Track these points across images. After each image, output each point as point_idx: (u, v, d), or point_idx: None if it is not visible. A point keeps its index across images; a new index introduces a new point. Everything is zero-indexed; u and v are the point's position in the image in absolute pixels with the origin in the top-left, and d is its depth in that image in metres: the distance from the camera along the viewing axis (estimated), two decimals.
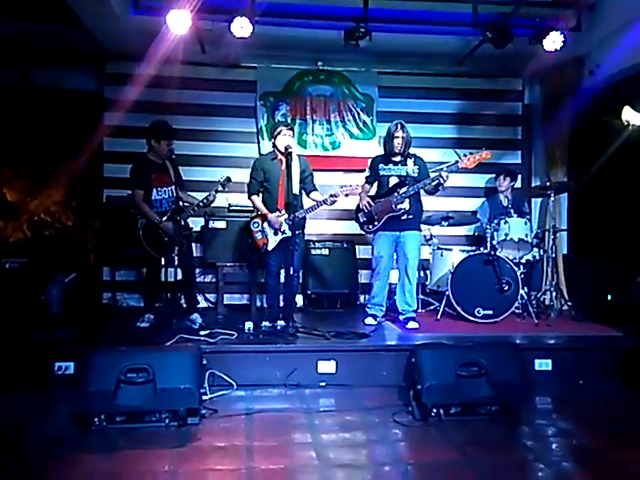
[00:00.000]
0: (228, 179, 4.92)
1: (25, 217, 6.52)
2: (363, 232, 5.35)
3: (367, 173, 5.34)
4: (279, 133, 4.97)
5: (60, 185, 6.48)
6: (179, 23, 4.87)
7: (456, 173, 4.97)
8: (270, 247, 4.97)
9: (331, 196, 4.82)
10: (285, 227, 4.90)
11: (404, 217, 5.01)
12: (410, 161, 5.08)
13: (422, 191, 5.04)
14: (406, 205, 4.98)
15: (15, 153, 6.41)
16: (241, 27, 5.06)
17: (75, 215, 6.61)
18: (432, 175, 5.01)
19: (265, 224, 4.97)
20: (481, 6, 5.36)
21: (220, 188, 4.91)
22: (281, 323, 4.90)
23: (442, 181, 4.84)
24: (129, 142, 5.99)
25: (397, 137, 5.03)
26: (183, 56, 5.76)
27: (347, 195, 4.86)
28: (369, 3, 5.25)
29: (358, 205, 5.23)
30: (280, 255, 5.00)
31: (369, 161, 5.39)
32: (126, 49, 5.80)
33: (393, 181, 5.08)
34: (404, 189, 4.98)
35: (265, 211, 4.97)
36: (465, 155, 4.90)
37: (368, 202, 5.11)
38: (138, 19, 5.26)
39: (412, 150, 5.16)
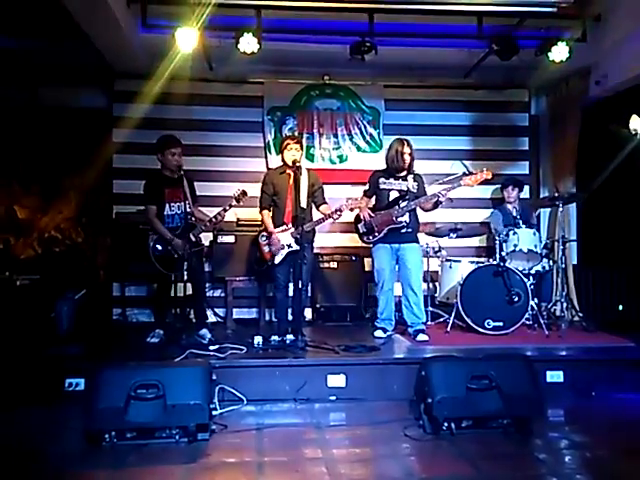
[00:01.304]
0: (244, 193, 4.90)
1: (35, 234, 6.57)
2: (362, 243, 5.40)
3: (366, 187, 5.43)
4: (286, 146, 5.01)
5: (70, 202, 6.54)
6: (187, 40, 4.93)
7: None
8: (277, 260, 5.00)
9: (336, 210, 4.87)
10: (291, 241, 4.93)
11: (403, 230, 5.09)
12: (410, 177, 5.19)
13: (418, 207, 5.16)
14: (406, 218, 5.07)
15: (25, 170, 6.47)
16: (248, 43, 5.12)
17: (85, 231, 6.65)
18: (429, 191, 5.16)
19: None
20: (486, 18, 5.38)
21: (234, 202, 4.92)
22: (290, 337, 4.89)
23: (441, 199, 4.97)
24: (138, 158, 6.06)
25: (405, 153, 5.11)
26: (191, 73, 5.83)
27: (352, 209, 4.96)
28: (374, 18, 5.30)
29: (358, 215, 5.26)
30: (288, 268, 5.04)
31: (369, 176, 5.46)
32: (134, 67, 5.89)
33: (393, 195, 5.16)
34: (405, 203, 5.06)
35: (271, 229, 5.01)
36: (466, 174, 5.03)
37: (369, 213, 5.14)
38: (146, 37, 5.33)
39: (416, 164, 5.25)
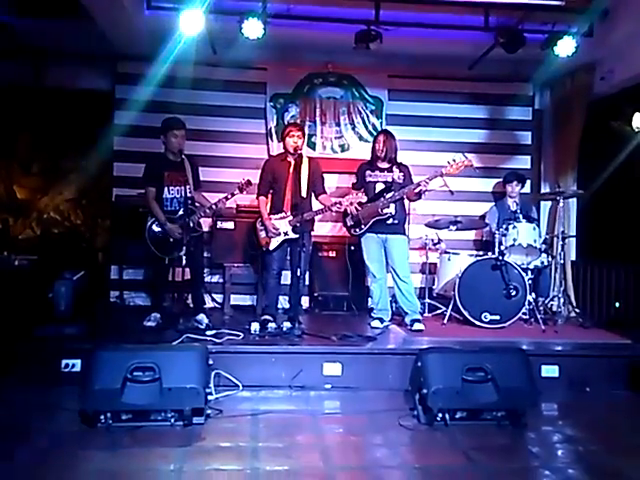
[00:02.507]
0: (248, 182, 4.91)
1: (35, 215, 6.57)
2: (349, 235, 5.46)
3: (354, 180, 5.46)
4: (288, 133, 4.99)
5: (70, 183, 6.53)
6: (191, 23, 4.87)
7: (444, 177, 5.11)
8: (271, 247, 5.00)
9: (335, 203, 4.92)
10: (288, 229, 4.94)
11: (389, 221, 5.14)
12: (396, 168, 5.23)
13: (406, 198, 5.21)
14: (392, 209, 5.12)
15: (26, 151, 6.45)
16: (252, 28, 5.08)
17: (84, 214, 6.65)
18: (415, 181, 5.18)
19: None
20: (493, 10, 5.33)
21: (237, 191, 4.91)
22: (287, 325, 4.90)
23: (423, 188, 5.02)
24: (139, 141, 6.03)
25: (378, 141, 5.24)
26: (194, 57, 5.78)
27: (351, 203, 4.98)
28: (380, 6, 5.25)
29: (345, 209, 5.25)
30: (283, 255, 5.07)
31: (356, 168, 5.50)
32: (138, 49, 5.82)
33: (379, 187, 5.21)
34: (390, 194, 5.11)
35: (265, 215, 5.00)
36: (449, 162, 5.06)
37: (355, 207, 5.14)
38: (150, 19, 5.27)
39: (413, 154, 5.41)
